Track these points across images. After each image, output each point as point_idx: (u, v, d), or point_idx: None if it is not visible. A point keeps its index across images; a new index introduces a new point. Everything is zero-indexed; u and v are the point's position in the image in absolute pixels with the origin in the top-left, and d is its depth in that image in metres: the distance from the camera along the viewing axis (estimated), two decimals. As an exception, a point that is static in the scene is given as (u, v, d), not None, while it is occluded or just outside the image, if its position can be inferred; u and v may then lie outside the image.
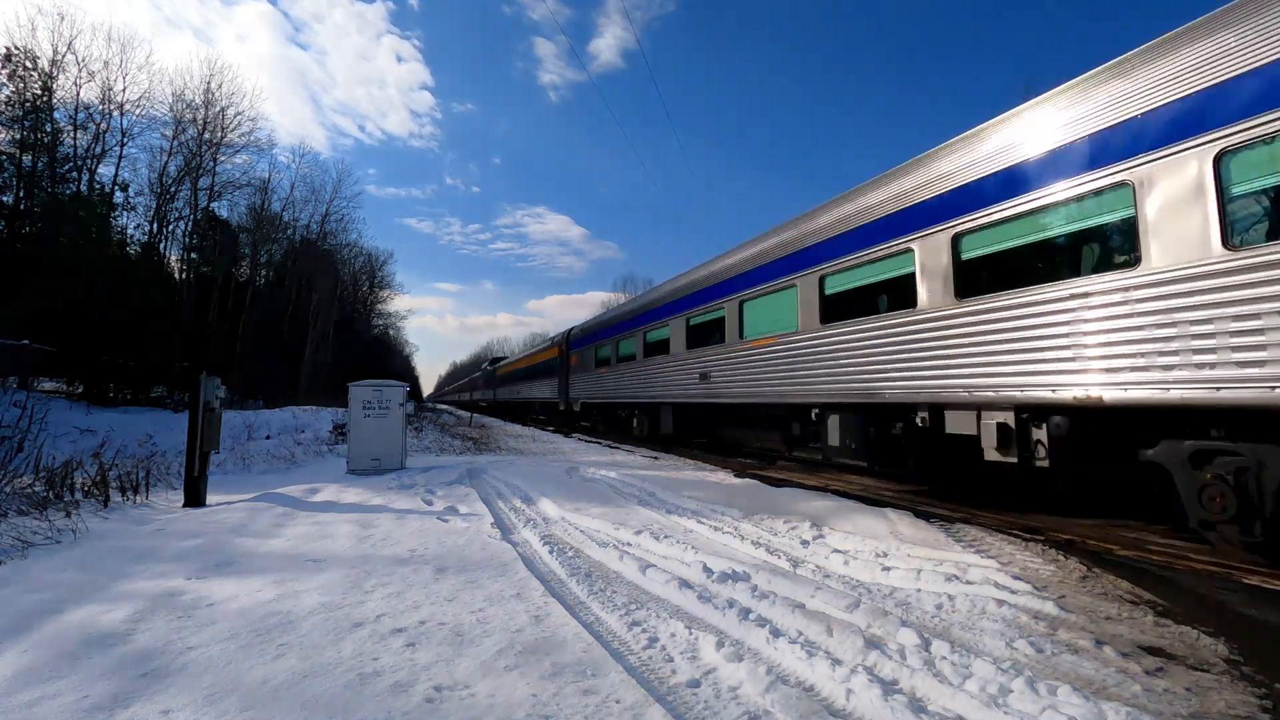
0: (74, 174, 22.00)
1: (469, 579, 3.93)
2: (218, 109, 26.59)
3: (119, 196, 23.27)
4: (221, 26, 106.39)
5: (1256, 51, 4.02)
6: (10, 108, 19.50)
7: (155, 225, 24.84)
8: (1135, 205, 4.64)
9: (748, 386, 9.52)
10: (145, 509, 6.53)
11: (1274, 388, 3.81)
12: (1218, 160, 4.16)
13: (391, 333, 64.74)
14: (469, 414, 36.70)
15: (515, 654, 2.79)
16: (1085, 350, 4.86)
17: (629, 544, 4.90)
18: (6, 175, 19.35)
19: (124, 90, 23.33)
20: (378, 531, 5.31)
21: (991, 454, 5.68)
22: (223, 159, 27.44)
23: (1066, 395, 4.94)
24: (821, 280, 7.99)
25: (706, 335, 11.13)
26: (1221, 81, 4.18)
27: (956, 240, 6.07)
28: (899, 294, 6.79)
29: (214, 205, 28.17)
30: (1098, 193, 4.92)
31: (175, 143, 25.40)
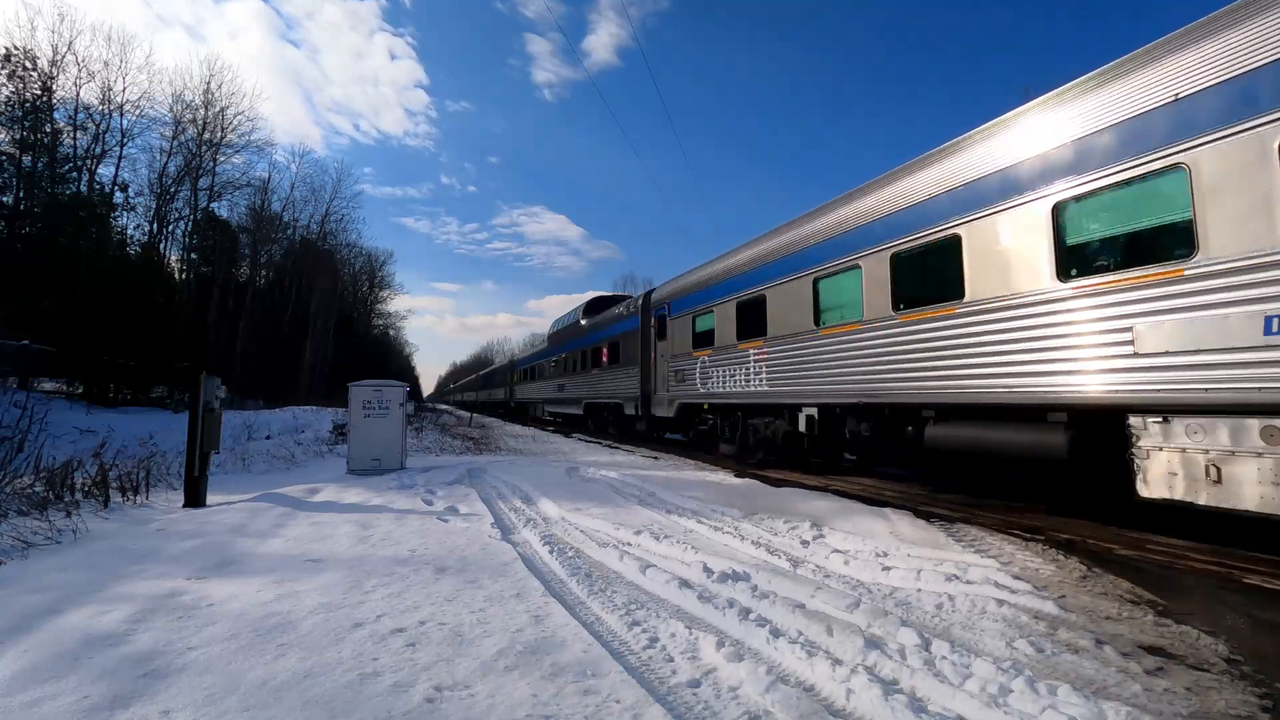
0: (74, 174, 22.02)
1: (469, 579, 3.93)
2: (217, 109, 26.66)
3: (119, 197, 23.33)
4: (213, 24, 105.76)
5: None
6: (10, 108, 19.50)
7: (155, 225, 24.87)
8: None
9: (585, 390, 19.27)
10: (145, 509, 6.53)
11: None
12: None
13: (391, 333, 64.92)
14: (469, 414, 36.71)
15: (515, 654, 2.79)
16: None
17: (629, 544, 4.90)
18: (6, 175, 19.35)
19: (124, 91, 23.38)
20: (378, 532, 5.31)
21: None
22: (222, 159, 27.52)
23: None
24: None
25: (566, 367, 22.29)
26: None
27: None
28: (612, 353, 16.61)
29: (214, 205, 28.24)
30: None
31: (175, 143, 25.46)
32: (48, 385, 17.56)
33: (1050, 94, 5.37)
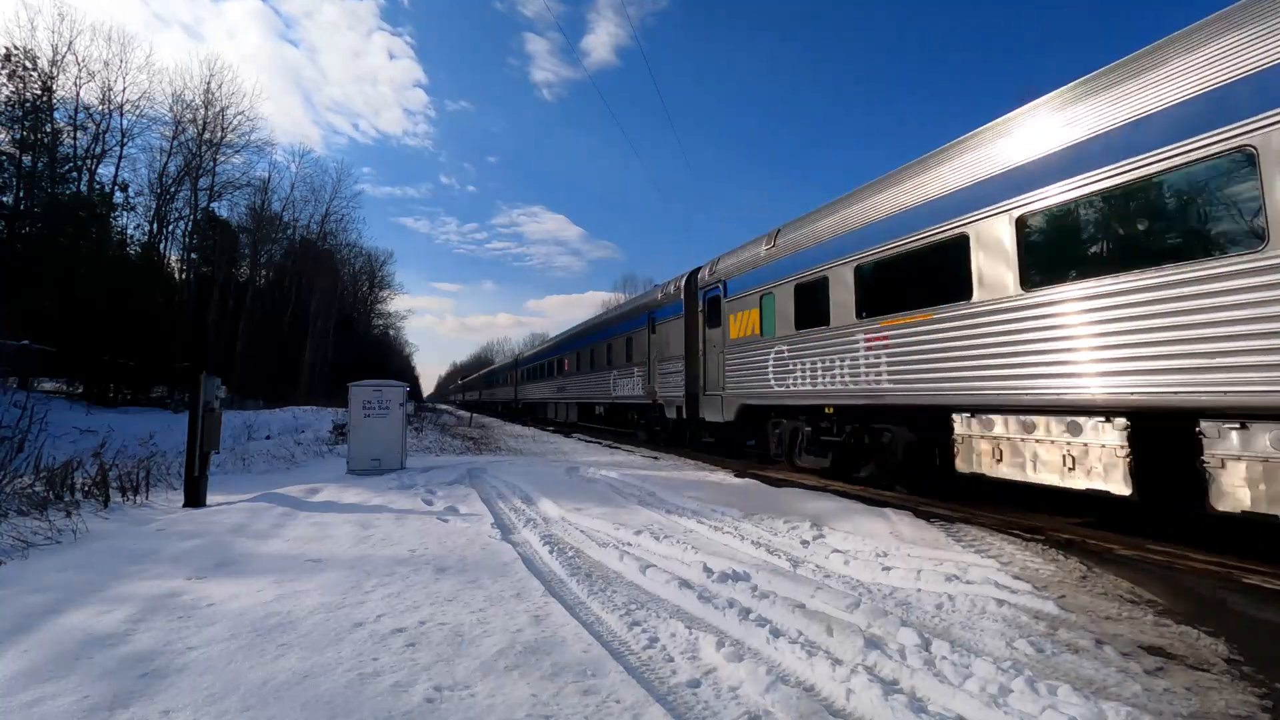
0: (74, 174, 22.00)
1: (469, 579, 3.93)
2: (217, 109, 26.66)
3: (119, 197, 23.31)
4: (211, 23, 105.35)
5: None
6: (10, 108, 19.48)
7: (155, 225, 24.86)
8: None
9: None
10: (145, 509, 6.52)
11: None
12: None
13: (391, 333, 64.95)
14: (469, 414, 36.73)
15: (515, 654, 2.79)
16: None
17: (629, 544, 4.90)
18: (6, 175, 19.33)
19: (124, 90, 23.37)
20: (378, 532, 5.31)
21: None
22: (222, 159, 27.51)
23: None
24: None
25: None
26: None
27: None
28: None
29: (214, 205, 28.24)
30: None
31: (175, 143, 25.45)
32: (48, 385, 17.56)
33: None
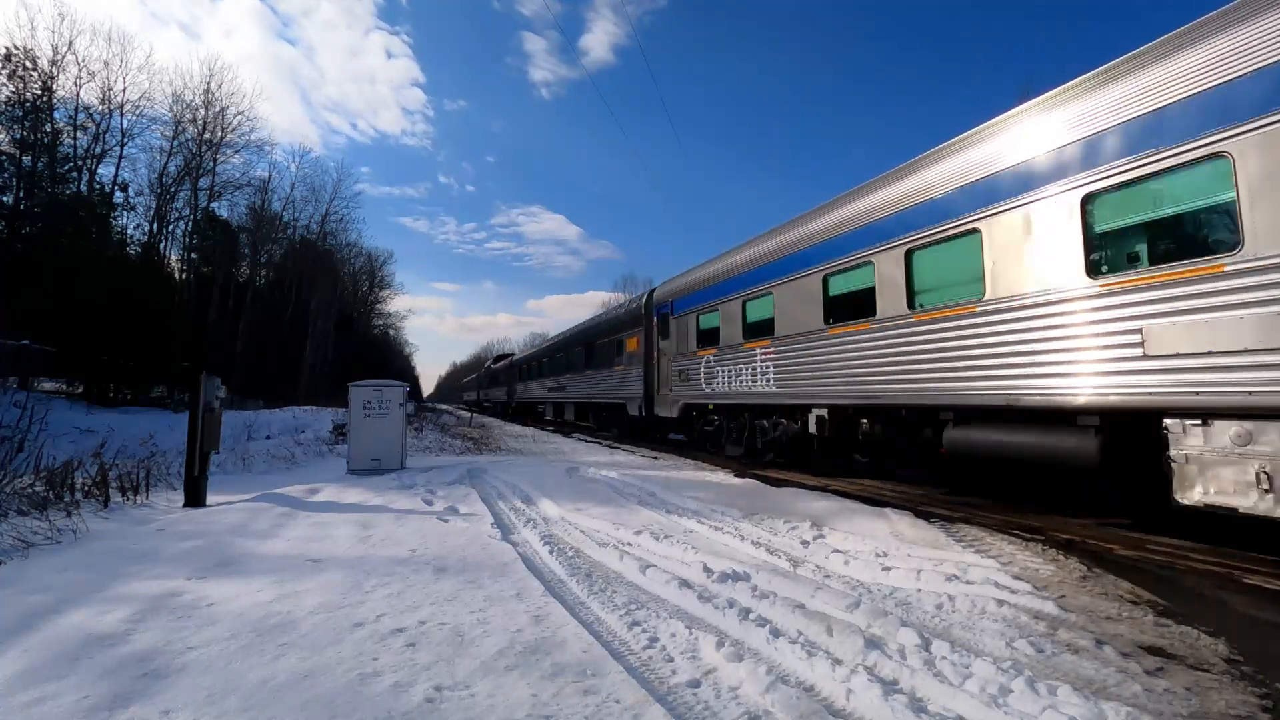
0: (74, 174, 21.99)
1: (469, 579, 3.93)
2: (217, 109, 26.67)
3: (119, 196, 23.33)
4: (208, 22, 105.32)
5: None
6: (10, 108, 19.48)
7: (155, 225, 24.88)
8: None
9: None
10: (145, 509, 6.52)
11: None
12: None
13: (391, 333, 65.00)
14: (469, 414, 36.77)
15: (515, 654, 2.79)
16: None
17: (629, 544, 4.90)
18: (6, 175, 19.32)
19: (124, 91, 23.38)
20: (378, 532, 5.31)
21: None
22: (222, 159, 27.51)
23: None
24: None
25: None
26: None
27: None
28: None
29: (214, 205, 28.25)
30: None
31: (175, 143, 25.47)
32: (48, 385, 17.55)
33: None
